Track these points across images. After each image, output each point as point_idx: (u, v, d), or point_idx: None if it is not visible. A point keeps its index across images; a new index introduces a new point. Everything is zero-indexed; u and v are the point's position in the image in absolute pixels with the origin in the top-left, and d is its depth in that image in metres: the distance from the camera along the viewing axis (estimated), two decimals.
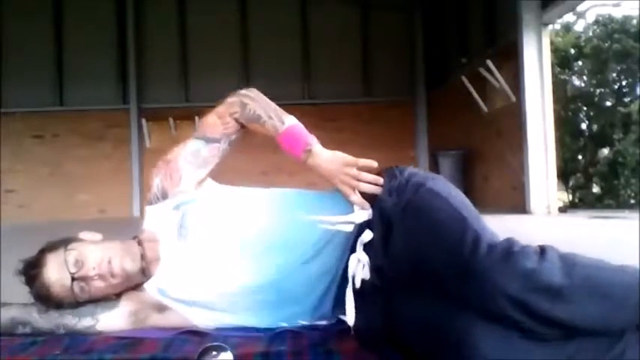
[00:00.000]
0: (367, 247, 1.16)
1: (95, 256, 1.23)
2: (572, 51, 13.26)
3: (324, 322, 1.25)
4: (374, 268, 1.13)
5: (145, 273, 1.28)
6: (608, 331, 0.92)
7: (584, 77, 13.53)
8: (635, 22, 12.48)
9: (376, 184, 1.19)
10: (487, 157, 7.74)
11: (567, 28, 13.69)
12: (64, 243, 1.26)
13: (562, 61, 12.93)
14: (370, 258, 1.15)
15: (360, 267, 1.15)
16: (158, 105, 9.76)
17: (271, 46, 9.67)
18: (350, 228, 1.21)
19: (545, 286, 0.88)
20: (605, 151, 12.66)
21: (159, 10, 9.90)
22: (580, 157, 13.11)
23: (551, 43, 8.54)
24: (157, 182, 1.34)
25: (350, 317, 1.14)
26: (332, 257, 1.22)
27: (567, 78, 13.28)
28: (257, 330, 1.25)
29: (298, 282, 1.23)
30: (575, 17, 13.27)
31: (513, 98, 6.66)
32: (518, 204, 6.41)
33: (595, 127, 13.05)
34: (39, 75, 9.62)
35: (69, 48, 9.68)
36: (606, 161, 12.17)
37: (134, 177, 9.64)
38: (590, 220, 5.25)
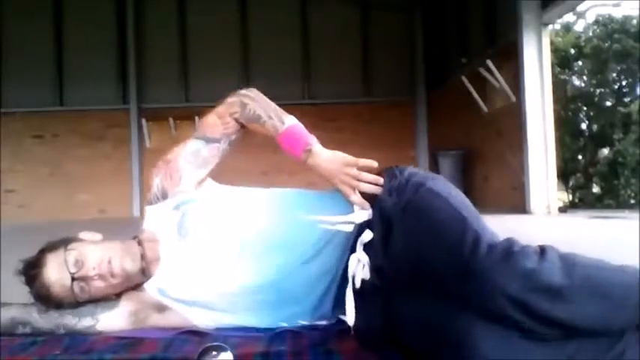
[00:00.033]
0: (367, 247, 1.16)
1: (95, 256, 1.23)
2: (572, 51, 13.26)
3: (324, 322, 1.25)
4: (374, 268, 1.13)
5: (144, 273, 1.28)
6: (608, 331, 0.92)
7: (584, 77, 13.53)
8: (635, 22, 12.49)
9: (376, 184, 1.19)
10: (487, 157, 7.74)
11: (567, 28, 13.69)
12: (63, 243, 1.26)
13: (562, 61, 12.93)
14: (370, 258, 1.15)
15: (360, 267, 1.15)
16: (158, 105, 9.76)
17: (271, 46, 9.67)
18: (350, 228, 1.21)
19: (545, 286, 0.88)
20: (605, 151, 12.66)
21: (159, 10, 9.90)
22: (580, 157, 13.11)
23: (551, 43, 8.54)
24: (156, 182, 1.34)
25: (350, 317, 1.14)
26: (332, 257, 1.22)
27: (567, 78, 13.28)
28: (257, 330, 1.25)
29: (298, 282, 1.23)
30: (575, 17, 13.29)
31: (513, 98, 6.66)
32: (518, 204, 6.41)
33: (595, 127, 13.05)
34: (39, 75, 9.62)
35: (69, 48, 9.68)
36: (606, 161, 12.17)
37: (134, 177, 9.64)
38: (590, 220, 5.25)
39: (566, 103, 12.52)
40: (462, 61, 8.13)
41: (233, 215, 1.28)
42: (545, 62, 6.36)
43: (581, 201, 12.47)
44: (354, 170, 1.20)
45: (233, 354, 1.02)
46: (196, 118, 9.18)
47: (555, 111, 6.65)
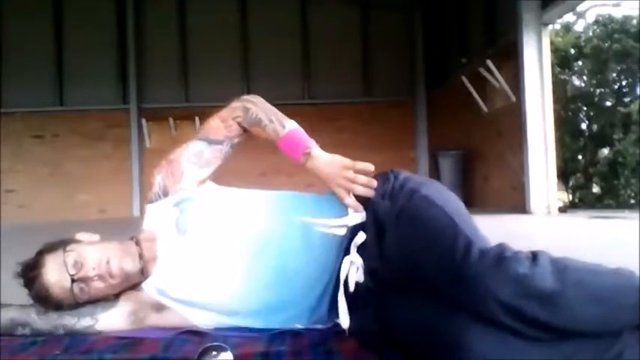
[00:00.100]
0: (361, 249, 1.17)
1: (94, 257, 1.24)
2: (572, 51, 13.25)
3: (319, 326, 1.25)
4: (368, 271, 1.14)
5: (143, 273, 1.28)
6: (603, 333, 0.92)
7: (584, 77, 13.52)
8: (635, 22, 12.48)
9: (369, 187, 1.20)
10: (487, 157, 7.74)
11: (567, 28, 13.68)
12: (62, 244, 1.26)
13: (562, 61, 12.92)
14: (364, 260, 1.15)
15: (353, 269, 1.16)
16: (158, 105, 9.76)
17: (271, 46, 9.67)
18: (343, 231, 1.22)
19: (537, 291, 0.88)
20: (605, 151, 12.65)
21: (159, 10, 9.90)
22: (580, 157, 13.10)
23: (551, 43, 8.53)
24: (158, 180, 1.36)
25: (344, 320, 1.14)
26: (328, 260, 1.22)
27: (567, 78, 13.27)
28: (257, 330, 1.25)
29: (294, 285, 1.23)
30: (575, 17, 13.28)
31: (513, 98, 6.66)
32: (518, 204, 6.40)
33: (595, 127, 13.04)
34: (39, 75, 9.62)
35: (69, 48, 9.68)
36: (606, 161, 12.16)
37: (134, 177, 9.64)
38: (590, 220, 5.25)
39: (566, 103, 12.52)
40: (462, 61, 8.13)
41: (231, 215, 1.29)
42: (545, 62, 6.36)
43: (581, 201, 12.47)
44: (350, 173, 1.21)
45: (233, 354, 1.02)
46: (196, 118, 9.19)
47: (555, 111, 6.64)
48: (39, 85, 9.62)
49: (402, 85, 10.11)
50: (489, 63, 6.99)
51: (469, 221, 1.08)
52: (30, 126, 9.62)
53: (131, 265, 1.26)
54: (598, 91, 13.09)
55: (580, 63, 13.45)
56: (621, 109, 12.50)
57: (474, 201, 7.75)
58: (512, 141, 6.68)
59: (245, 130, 1.35)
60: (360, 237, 1.16)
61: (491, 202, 7.43)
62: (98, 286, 1.24)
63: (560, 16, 7.48)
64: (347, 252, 1.19)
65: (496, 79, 6.96)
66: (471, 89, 7.60)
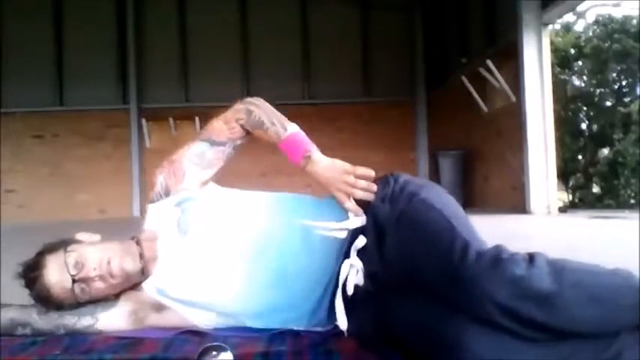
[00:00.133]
0: (361, 252, 1.17)
1: (95, 257, 1.24)
2: (572, 51, 13.25)
3: (319, 329, 1.25)
4: (368, 274, 1.15)
5: (143, 272, 1.28)
6: (601, 334, 0.92)
7: (584, 77, 13.52)
8: (635, 22, 12.47)
9: (369, 191, 1.20)
10: (487, 157, 7.74)
11: (567, 28, 13.68)
12: (62, 245, 1.26)
13: (562, 61, 12.92)
14: (364, 263, 1.16)
15: (353, 272, 1.16)
16: (158, 105, 9.76)
17: (271, 46, 9.67)
18: (344, 235, 1.22)
19: (533, 292, 0.88)
20: (605, 151, 12.65)
21: (159, 10, 9.90)
22: (580, 157, 13.09)
23: (551, 43, 8.53)
24: (160, 180, 1.36)
25: (341, 323, 1.15)
26: (328, 263, 1.23)
27: (567, 78, 13.26)
28: (257, 330, 1.25)
29: (294, 287, 1.23)
30: (575, 17, 13.27)
31: (513, 98, 6.66)
32: (518, 204, 6.41)
33: (595, 127, 13.03)
34: (39, 75, 9.62)
35: (69, 48, 9.68)
36: (606, 161, 12.16)
37: (134, 177, 9.64)
38: (590, 220, 5.25)
39: (566, 103, 12.51)
40: (462, 61, 8.13)
41: (232, 216, 1.30)
42: (545, 62, 6.36)
43: (581, 201, 12.46)
44: (350, 177, 1.21)
45: (233, 354, 1.02)
46: (196, 118, 9.20)
47: (555, 111, 6.64)
48: (39, 85, 9.62)
49: (402, 85, 10.12)
50: (489, 63, 7.00)
51: (467, 224, 1.09)
52: (30, 126, 9.62)
53: (132, 265, 1.26)
54: (598, 91, 13.09)
55: (580, 63, 13.44)
56: (621, 109, 12.50)
57: (474, 201, 7.75)
58: (512, 141, 6.69)
59: (248, 133, 1.36)
60: (361, 241, 1.17)
61: (491, 202, 7.44)
62: (99, 286, 1.24)
63: (560, 16, 7.48)
64: (347, 255, 1.19)
65: (496, 79, 6.96)
66: (471, 89, 7.60)
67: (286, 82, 9.61)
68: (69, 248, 1.25)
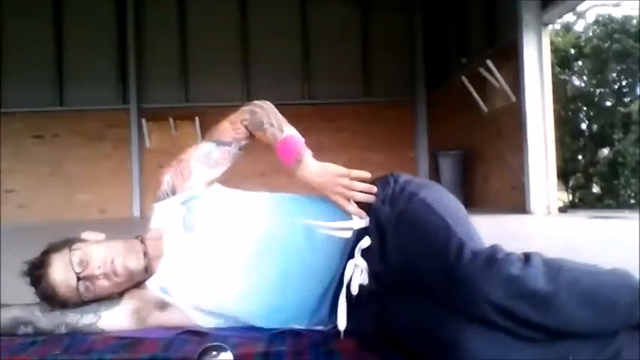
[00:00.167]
0: (364, 253, 1.18)
1: (99, 255, 1.25)
2: (572, 51, 13.25)
3: (320, 328, 1.25)
4: (372, 274, 1.16)
5: (147, 271, 1.30)
6: (599, 334, 0.92)
7: (584, 77, 13.52)
8: (635, 22, 12.47)
9: (370, 193, 1.21)
10: (487, 157, 7.74)
11: (567, 28, 13.67)
12: (67, 243, 1.28)
13: (562, 61, 12.92)
14: (368, 263, 1.17)
15: (357, 272, 1.17)
16: (158, 105, 9.76)
17: (271, 46, 9.67)
18: (349, 234, 1.23)
19: (529, 292, 0.88)
20: (605, 151, 12.64)
21: (159, 10, 9.90)
22: (580, 157, 13.09)
23: (551, 43, 8.53)
24: (167, 179, 1.39)
25: (341, 322, 1.15)
26: (332, 263, 1.23)
27: (567, 78, 13.26)
28: (257, 330, 1.25)
29: (297, 286, 1.23)
30: (575, 17, 13.27)
31: (513, 98, 6.66)
32: (518, 204, 6.41)
33: (595, 127, 13.03)
34: (39, 75, 9.62)
35: (69, 48, 9.68)
36: (606, 161, 12.16)
37: (134, 177, 9.64)
38: (590, 220, 5.25)
39: (566, 103, 12.51)
40: (462, 61, 8.13)
41: (236, 216, 1.30)
42: (545, 62, 6.36)
43: (581, 201, 12.46)
44: (346, 180, 1.22)
45: (233, 354, 1.02)
46: (196, 118, 9.21)
47: (555, 111, 6.64)
48: (39, 85, 9.62)
49: (402, 85, 10.12)
50: (489, 63, 6.99)
51: (465, 223, 1.09)
52: (30, 126, 9.62)
53: (135, 264, 1.28)
54: (598, 91, 13.08)
55: (580, 63, 13.44)
56: (621, 109, 12.50)
57: (474, 201, 7.75)
58: (512, 141, 6.69)
59: (252, 134, 1.38)
60: (365, 241, 1.18)
61: (491, 202, 7.44)
62: (103, 284, 1.26)
63: (560, 16, 7.48)
64: (352, 255, 1.20)
65: (496, 79, 6.96)
66: (471, 89, 7.60)
67: (286, 82, 9.61)
68: (74, 247, 1.26)
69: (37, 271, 1.24)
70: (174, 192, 1.37)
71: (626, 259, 1.02)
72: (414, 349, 1.00)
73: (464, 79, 7.73)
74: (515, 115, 6.54)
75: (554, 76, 9.37)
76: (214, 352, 1.01)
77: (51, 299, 1.25)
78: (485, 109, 7.50)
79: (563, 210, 6.64)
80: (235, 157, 1.41)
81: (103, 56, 9.75)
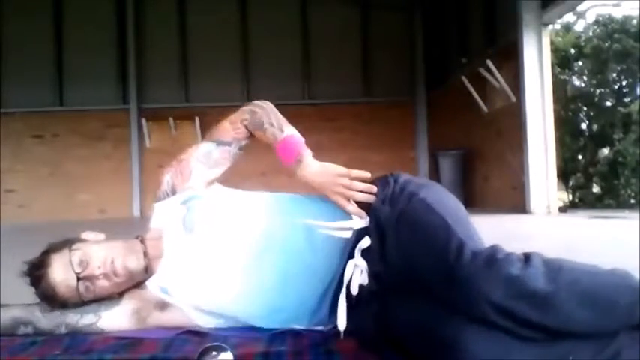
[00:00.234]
0: (365, 253, 1.18)
1: (99, 255, 1.26)
2: (572, 51, 13.24)
3: (320, 328, 1.25)
4: (372, 274, 1.16)
5: (147, 271, 1.30)
6: (599, 334, 0.92)
7: (584, 77, 13.52)
8: (635, 22, 12.47)
9: (370, 193, 1.21)
10: (487, 157, 7.74)
11: (567, 28, 13.67)
12: (67, 243, 1.28)
13: (562, 61, 12.91)
14: (368, 263, 1.17)
15: (357, 272, 1.17)
16: (158, 105, 9.76)
17: (271, 46, 9.67)
18: (349, 234, 1.23)
19: (529, 292, 0.88)
20: (605, 151, 12.64)
21: (159, 10, 9.90)
22: (580, 157, 13.09)
23: (551, 43, 8.53)
24: (167, 179, 1.39)
25: (341, 322, 1.15)
26: (332, 262, 1.23)
27: (567, 78, 13.26)
28: (257, 330, 1.25)
29: (297, 286, 1.23)
30: (575, 17, 13.27)
31: (513, 98, 6.66)
32: (518, 204, 6.41)
33: (595, 127, 13.03)
34: (39, 75, 9.62)
35: (69, 48, 9.68)
36: (606, 161, 12.16)
37: (134, 177, 9.64)
38: (590, 220, 5.25)
39: (566, 103, 12.51)
40: (462, 61, 8.13)
41: (236, 216, 1.30)
42: (545, 62, 6.36)
43: (581, 201, 12.46)
44: (345, 180, 1.22)
45: (233, 354, 1.02)
46: (196, 118, 9.20)
47: (555, 111, 6.64)
48: (39, 85, 9.62)
49: (402, 85, 10.11)
50: (489, 63, 6.99)
51: (465, 223, 1.09)
52: (30, 126, 9.61)
53: (135, 264, 1.28)
54: (598, 91, 13.08)
55: (580, 63, 13.44)
56: (621, 109, 12.49)
57: (474, 201, 7.75)
58: (512, 141, 6.69)
59: (252, 135, 1.38)
60: (365, 241, 1.18)
61: (491, 202, 7.43)
62: (103, 284, 1.26)
63: (560, 16, 7.48)
64: (352, 255, 1.20)
65: (496, 79, 6.96)
66: (471, 89, 7.60)
67: (286, 82, 9.61)
68: (74, 247, 1.27)
69: (37, 271, 1.24)
70: (174, 192, 1.38)
71: (626, 259, 1.02)
72: (413, 349, 1.00)
73: (464, 79, 7.73)
74: (515, 115, 6.54)
75: (554, 76, 9.37)
76: (214, 352, 1.01)
77: (51, 299, 1.25)
78: (485, 109, 7.50)
79: (563, 210, 6.64)
80: (235, 157, 1.41)
81: (103, 56, 9.75)
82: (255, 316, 1.27)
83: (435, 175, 8.46)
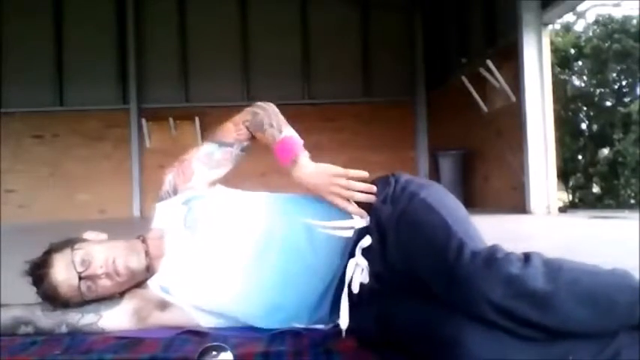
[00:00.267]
0: (366, 252, 1.18)
1: (101, 255, 1.26)
2: (572, 51, 13.24)
3: (321, 326, 1.26)
4: (373, 273, 1.16)
5: (149, 270, 1.30)
6: (599, 333, 0.92)
7: (584, 77, 13.51)
8: (635, 22, 12.47)
9: (369, 193, 1.21)
10: (487, 157, 7.74)
11: (567, 28, 13.67)
12: (70, 243, 1.28)
13: (562, 61, 12.91)
14: (369, 262, 1.17)
15: (358, 271, 1.17)
16: (158, 105, 9.76)
17: (271, 46, 9.67)
18: (350, 233, 1.23)
19: (528, 292, 0.88)
20: (605, 151, 12.64)
21: (159, 10, 9.90)
22: (580, 157, 13.09)
23: (551, 43, 8.53)
24: (169, 179, 1.40)
25: (343, 321, 1.15)
26: (333, 262, 1.23)
27: (567, 78, 13.26)
28: (257, 330, 1.25)
29: (297, 285, 1.24)
30: (575, 17, 13.27)
31: (513, 98, 6.66)
32: (518, 204, 6.41)
33: (595, 127, 13.03)
34: (39, 75, 9.62)
35: (69, 48, 9.68)
36: (606, 161, 12.15)
37: (134, 177, 9.64)
38: (590, 220, 5.25)
39: (566, 103, 12.51)
40: (462, 61, 8.13)
41: (238, 215, 1.31)
42: (545, 62, 6.36)
43: (581, 201, 12.46)
44: (343, 181, 1.22)
45: (233, 354, 1.02)
46: (196, 118, 9.21)
47: (555, 111, 6.65)
48: (39, 85, 9.62)
49: (402, 85, 10.11)
50: (489, 63, 6.99)
51: (465, 223, 1.09)
52: (30, 126, 9.61)
53: (136, 263, 1.28)
54: (598, 91, 13.08)
55: (580, 63, 13.44)
56: (621, 109, 12.49)
57: (474, 201, 7.75)
58: (512, 141, 6.69)
59: (253, 136, 1.39)
60: (366, 240, 1.18)
61: (491, 202, 7.44)
62: (105, 284, 1.26)
63: (560, 16, 7.48)
64: (352, 254, 1.20)
65: (496, 79, 6.96)
66: (471, 89, 7.60)
67: (286, 82, 9.61)
68: (76, 246, 1.27)
69: (39, 271, 1.24)
70: (175, 192, 1.38)
71: (626, 259, 1.02)
72: (414, 349, 1.00)
73: (464, 79, 7.73)
74: (515, 115, 6.54)
75: (554, 76, 9.36)
76: (214, 352, 1.01)
77: (53, 299, 1.25)
78: (485, 109, 7.50)
79: (563, 210, 6.64)
80: (237, 159, 1.42)
81: (103, 56, 9.75)
82: (256, 315, 1.27)
83: (435, 175, 8.46)
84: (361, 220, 1.22)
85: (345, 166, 1.26)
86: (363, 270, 1.17)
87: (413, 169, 9.71)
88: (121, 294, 1.31)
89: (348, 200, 1.22)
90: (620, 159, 11.62)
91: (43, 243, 1.30)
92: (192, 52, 9.82)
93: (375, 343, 1.08)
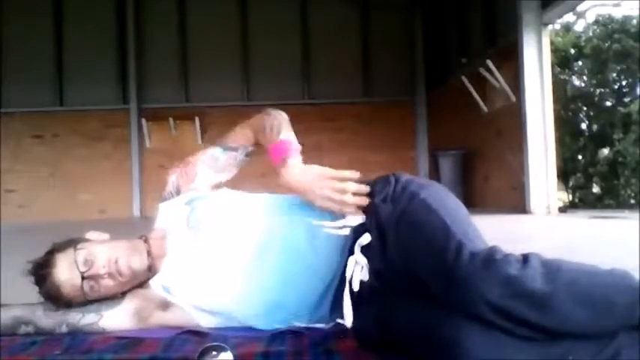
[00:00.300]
0: (365, 250, 1.18)
1: (104, 255, 1.26)
2: (572, 51, 13.24)
3: (321, 325, 1.26)
4: (372, 271, 1.16)
5: (151, 270, 1.31)
6: (598, 334, 0.92)
7: (584, 77, 13.52)
8: (635, 22, 12.47)
9: (363, 194, 1.20)
10: (487, 157, 7.74)
11: (567, 28, 13.67)
12: (72, 243, 1.29)
13: (562, 61, 12.91)
14: (369, 260, 1.17)
15: (358, 269, 1.17)
16: (158, 105, 9.75)
17: (271, 46, 9.67)
18: (347, 231, 1.23)
19: (527, 292, 0.88)
20: (605, 151, 12.64)
21: (159, 10, 9.89)
22: (580, 157, 13.09)
23: (551, 43, 8.53)
24: (172, 179, 1.41)
25: (348, 319, 1.15)
26: (333, 260, 1.24)
27: (567, 78, 13.26)
28: (257, 330, 1.25)
29: (297, 285, 1.24)
30: (575, 17, 13.27)
31: (513, 98, 6.66)
32: (518, 204, 6.41)
33: (595, 127, 13.03)
34: (39, 75, 9.61)
35: (69, 48, 9.68)
36: (606, 161, 12.16)
37: (134, 177, 9.64)
38: (590, 220, 5.25)
39: (566, 103, 12.51)
40: (462, 61, 8.13)
41: (239, 216, 1.31)
42: (545, 62, 6.35)
43: (581, 201, 12.46)
44: (335, 183, 1.20)
45: (233, 354, 1.02)
46: (196, 118, 9.21)
47: (555, 111, 6.64)
48: (39, 85, 9.62)
49: (402, 85, 10.11)
50: (489, 63, 6.99)
51: (464, 224, 1.09)
52: (30, 126, 9.61)
53: (139, 263, 1.29)
54: (598, 91, 13.08)
55: (580, 63, 13.44)
56: (621, 109, 12.49)
57: (474, 201, 7.75)
58: (512, 141, 6.68)
59: (258, 142, 1.40)
60: (365, 238, 1.18)
61: (491, 202, 7.43)
62: (108, 284, 1.27)
63: (560, 16, 7.48)
64: (352, 252, 1.20)
65: (496, 79, 6.96)
66: (471, 89, 7.60)
67: (286, 82, 9.61)
68: (78, 246, 1.27)
69: (41, 271, 1.24)
70: (178, 192, 1.39)
71: (626, 259, 1.02)
72: (413, 349, 1.00)
73: (464, 79, 7.73)
74: (515, 115, 6.54)
75: (554, 76, 9.36)
76: (214, 352, 1.01)
77: (55, 299, 1.26)
78: (485, 109, 7.50)
79: (563, 210, 6.64)
80: (242, 164, 1.43)
81: (103, 56, 9.75)
82: (256, 315, 1.27)
83: (435, 174, 8.45)
84: (357, 217, 1.21)
85: (345, 167, 1.25)
86: (362, 267, 1.17)
87: (413, 169, 9.71)
88: (123, 294, 1.31)
89: (344, 202, 1.21)
90: (620, 159, 11.63)
91: (43, 243, 1.31)
92: (192, 52, 9.82)
93: (375, 343, 1.08)
